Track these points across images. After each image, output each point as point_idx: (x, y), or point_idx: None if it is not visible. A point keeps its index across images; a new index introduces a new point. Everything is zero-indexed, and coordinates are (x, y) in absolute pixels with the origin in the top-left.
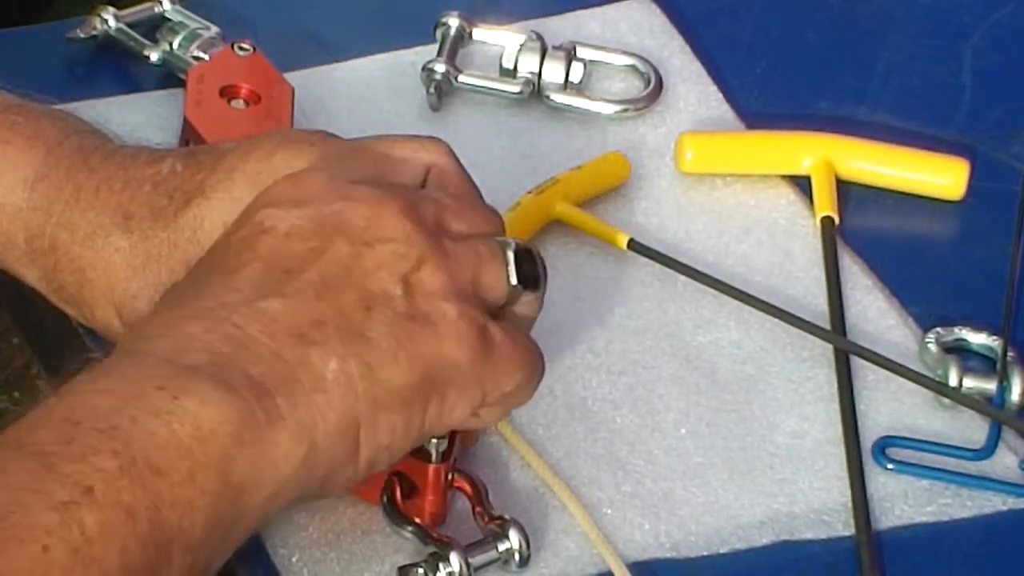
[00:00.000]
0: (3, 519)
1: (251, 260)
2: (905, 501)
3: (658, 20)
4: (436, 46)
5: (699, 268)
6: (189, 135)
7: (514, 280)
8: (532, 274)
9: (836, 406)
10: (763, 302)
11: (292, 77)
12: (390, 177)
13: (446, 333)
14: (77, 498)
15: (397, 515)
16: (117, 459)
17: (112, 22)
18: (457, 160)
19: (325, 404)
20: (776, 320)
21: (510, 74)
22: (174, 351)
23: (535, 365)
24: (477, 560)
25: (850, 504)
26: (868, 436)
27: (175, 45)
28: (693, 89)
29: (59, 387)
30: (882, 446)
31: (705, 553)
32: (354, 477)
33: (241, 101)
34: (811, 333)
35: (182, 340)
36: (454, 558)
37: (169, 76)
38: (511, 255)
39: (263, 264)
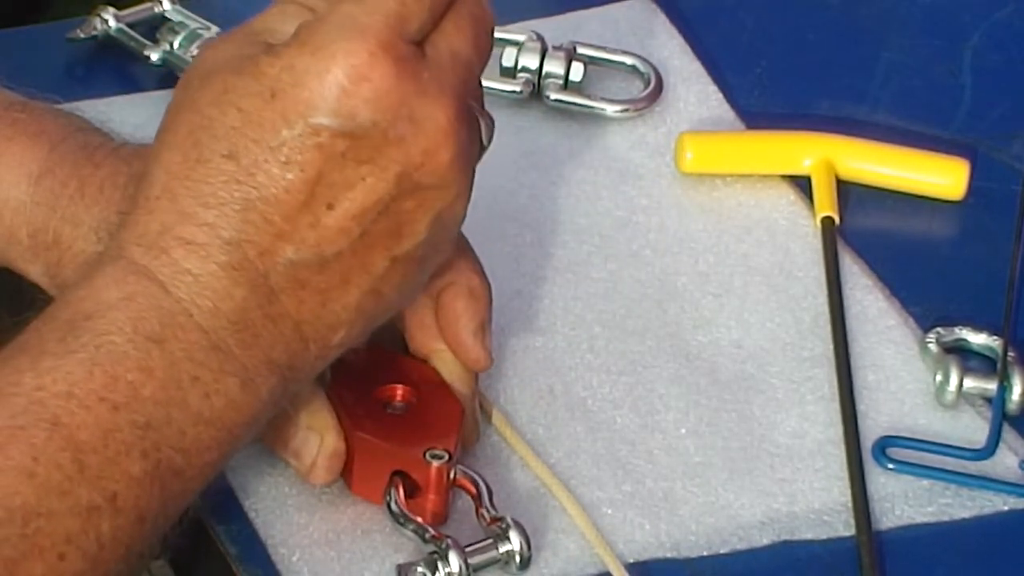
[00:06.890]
0: (27, 524)
1: (296, 183)
2: (905, 501)
3: (658, 20)
4: None
5: (699, 268)
6: None
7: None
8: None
9: (836, 406)
10: None
11: None
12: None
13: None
14: (100, 504)
15: (400, 514)
16: (144, 461)
17: (112, 22)
18: None
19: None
20: (776, 320)
21: (510, 74)
22: (201, 300)
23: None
24: (477, 560)
25: (850, 504)
26: (868, 436)
27: (175, 45)
28: (693, 89)
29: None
30: (882, 446)
31: (705, 553)
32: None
33: None
34: None
35: (207, 282)
36: (453, 558)
37: (169, 76)
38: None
39: (307, 196)
